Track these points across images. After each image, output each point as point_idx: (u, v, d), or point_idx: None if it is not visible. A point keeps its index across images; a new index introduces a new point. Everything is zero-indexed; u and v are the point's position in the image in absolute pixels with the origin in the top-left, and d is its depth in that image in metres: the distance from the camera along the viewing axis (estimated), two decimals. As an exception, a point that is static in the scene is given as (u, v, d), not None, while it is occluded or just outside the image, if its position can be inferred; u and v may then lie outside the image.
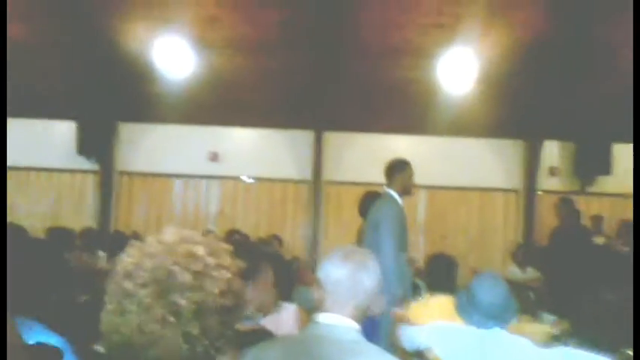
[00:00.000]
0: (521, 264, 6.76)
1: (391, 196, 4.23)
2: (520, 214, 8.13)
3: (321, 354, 1.51)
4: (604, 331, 1.65)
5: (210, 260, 0.96)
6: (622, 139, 7.82)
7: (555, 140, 8.04)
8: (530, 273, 6.56)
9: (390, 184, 4.30)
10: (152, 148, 8.14)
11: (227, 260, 1.00)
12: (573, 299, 1.75)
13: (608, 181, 7.93)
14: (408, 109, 7.62)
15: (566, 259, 5.13)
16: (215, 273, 0.95)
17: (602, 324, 1.66)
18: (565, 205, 5.77)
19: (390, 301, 3.37)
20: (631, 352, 1.77)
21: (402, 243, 4.07)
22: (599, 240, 6.99)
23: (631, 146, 7.93)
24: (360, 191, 8.13)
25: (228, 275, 0.97)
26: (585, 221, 7.02)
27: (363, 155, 8.15)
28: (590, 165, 7.79)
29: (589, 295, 1.71)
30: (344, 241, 8.00)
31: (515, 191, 8.15)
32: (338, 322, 1.57)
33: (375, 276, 1.60)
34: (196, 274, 0.93)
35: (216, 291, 0.94)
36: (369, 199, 4.70)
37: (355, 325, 1.58)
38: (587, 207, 7.92)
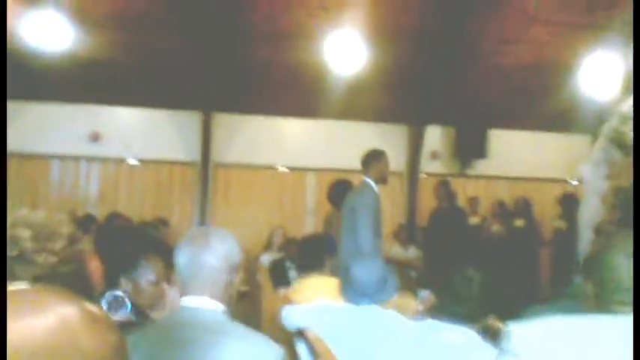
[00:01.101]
0: (404, 243, 7.04)
1: (369, 185, 4.38)
2: (404, 195, 8.43)
3: (187, 337, 1.48)
4: (466, 304, 1.75)
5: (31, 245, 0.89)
6: (497, 125, 8.32)
7: (437, 125, 8.39)
8: (413, 252, 6.85)
9: (367, 173, 4.47)
10: (26, 127, 7.60)
11: (57, 245, 0.93)
12: (444, 276, 1.84)
13: (484, 164, 8.41)
14: (297, 92, 7.64)
15: (443, 238, 5.39)
16: (37, 258, 0.89)
17: (465, 299, 1.75)
18: (443, 187, 6.05)
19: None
20: (492, 322, 1.89)
21: (378, 230, 4.27)
22: (475, 220, 7.42)
23: (505, 132, 8.48)
24: (250, 173, 8.18)
25: (53, 260, 0.91)
26: (463, 203, 7.43)
27: (252, 137, 8.10)
28: (468, 149, 8.22)
29: (456, 272, 1.80)
30: (233, 223, 7.95)
31: (400, 174, 8.42)
32: (201, 305, 1.56)
33: (222, 254, 1.60)
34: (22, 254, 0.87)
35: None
36: (340, 187, 4.99)
37: (220, 306, 1.57)
38: (465, 189, 8.40)
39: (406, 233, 7.17)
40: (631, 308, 1.28)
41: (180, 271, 1.62)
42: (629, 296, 1.29)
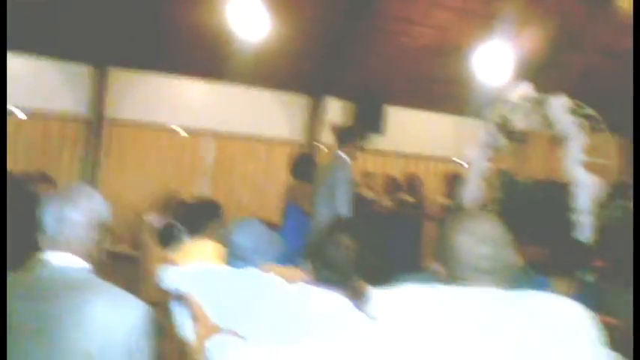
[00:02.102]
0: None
1: (344, 159, 4.61)
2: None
3: (49, 294, 1.43)
4: (338, 270, 1.80)
5: None
6: (394, 102, 8.54)
7: (336, 98, 8.49)
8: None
9: (342, 148, 4.68)
10: None
11: None
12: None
13: (380, 140, 8.62)
14: (199, 53, 7.45)
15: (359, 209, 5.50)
16: None
17: (337, 265, 1.81)
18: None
19: None
20: (360, 287, 1.97)
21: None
22: (368, 194, 7.62)
23: (402, 109, 8.73)
24: (146, 133, 7.91)
25: None
26: (359, 176, 7.59)
27: (150, 96, 7.83)
28: (365, 124, 8.39)
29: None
30: (124, 183, 7.69)
31: (299, 144, 8.46)
32: (64, 261, 1.52)
33: (86, 210, 1.56)
34: None
35: None
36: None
37: (84, 264, 1.53)
38: (362, 163, 8.59)
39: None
40: (474, 283, 1.37)
41: (44, 227, 1.56)
42: (472, 273, 1.38)
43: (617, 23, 7.44)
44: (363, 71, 7.82)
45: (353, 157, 4.73)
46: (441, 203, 6.88)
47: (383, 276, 2.55)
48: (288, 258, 3.17)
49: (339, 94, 8.42)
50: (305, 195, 5.12)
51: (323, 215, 4.50)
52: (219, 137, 8.19)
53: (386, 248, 5.44)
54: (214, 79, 7.96)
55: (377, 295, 1.40)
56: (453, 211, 5.87)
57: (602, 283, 4.11)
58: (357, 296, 1.77)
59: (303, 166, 5.36)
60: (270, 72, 7.78)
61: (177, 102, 8.00)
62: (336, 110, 8.60)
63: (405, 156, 8.97)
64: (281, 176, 8.54)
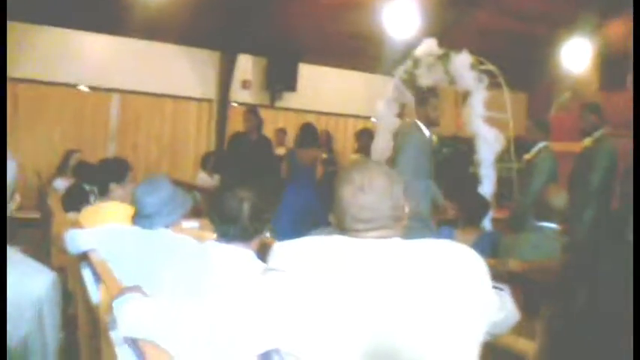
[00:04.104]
0: (210, 171, 7.04)
1: (416, 126, 4.39)
2: (212, 123, 8.37)
3: None
4: (237, 224, 1.82)
5: None
6: (307, 60, 8.52)
7: (249, 54, 8.36)
8: (218, 180, 6.89)
9: (417, 115, 4.48)
10: None
11: None
12: (218, 198, 1.89)
13: (293, 97, 8.62)
14: (101, 5, 7.06)
15: (243, 165, 5.49)
16: None
17: (235, 219, 1.82)
18: (250, 115, 6.08)
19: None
20: (266, 240, 2.00)
21: (420, 171, 4.24)
22: (281, 150, 7.65)
23: (315, 67, 8.73)
24: (46, 90, 7.46)
25: None
26: (272, 133, 7.58)
27: (49, 52, 7.38)
28: (278, 81, 8.34)
29: (228, 193, 1.86)
30: (24, 143, 7.27)
31: (209, 101, 8.32)
32: None
33: None
34: None
35: None
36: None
37: None
38: (275, 120, 8.57)
39: (212, 161, 7.15)
40: (362, 233, 1.42)
41: None
42: (356, 223, 1.42)
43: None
44: (274, 27, 7.71)
45: (432, 124, 4.54)
46: (353, 159, 7.01)
47: (295, 230, 2.60)
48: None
49: (251, 51, 8.29)
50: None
51: None
52: (124, 94, 7.88)
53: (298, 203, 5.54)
54: (118, 33, 7.60)
55: (278, 247, 1.42)
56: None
57: (501, 231, 4.38)
58: (264, 251, 1.79)
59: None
60: (179, 27, 7.52)
61: (80, 58, 7.59)
62: (248, 67, 8.48)
63: (319, 113, 9.02)
64: (190, 134, 8.39)
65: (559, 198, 3.17)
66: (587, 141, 4.66)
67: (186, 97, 8.26)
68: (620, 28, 8.67)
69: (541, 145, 4.71)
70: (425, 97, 4.58)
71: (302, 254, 1.40)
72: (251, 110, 6.22)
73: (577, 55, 7.62)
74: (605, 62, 8.63)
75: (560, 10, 8.02)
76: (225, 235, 1.84)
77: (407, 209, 1.50)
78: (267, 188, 1.95)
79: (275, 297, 1.36)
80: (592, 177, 4.46)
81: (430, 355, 1.31)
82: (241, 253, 1.83)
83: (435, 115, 4.44)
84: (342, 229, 1.46)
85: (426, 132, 4.42)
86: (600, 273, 0.68)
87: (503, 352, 1.75)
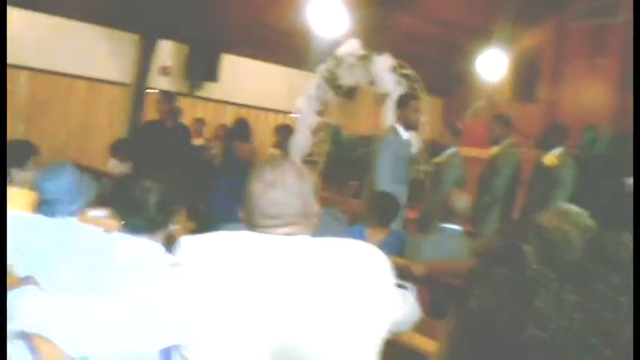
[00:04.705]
0: (122, 158, 6.80)
1: (394, 130, 4.43)
2: (127, 109, 8.08)
3: None
4: (143, 216, 1.78)
5: None
6: (230, 51, 8.40)
7: (170, 40, 8.13)
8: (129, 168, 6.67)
9: (396, 118, 4.50)
10: None
11: None
12: (123, 189, 1.83)
13: (214, 87, 8.48)
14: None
15: (155, 153, 5.36)
16: None
17: (141, 210, 1.78)
18: (167, 102, 5.93)
19: None
20: (173, 233, 1.96)
21: (400, 175, 4.31)
22: (199, 141, 7.52)
23: (238, 58, 8.63)
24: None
25: None
26: (189, 123, 7.43)
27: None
28: (199, 70, 8.17)
29: (134, 184, 1.81)
30: None
31: (124, 85, 8.03)
32: None
33: None
34: None
35: None
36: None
37: None
38: (193, 110, 8.40)
39: (125, 147, 6.91)
40: (270, 229, 1.42)
41: None
42: (264, 219, 1.42)
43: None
44: (199, 15, 7.54)
45: (411, 128, 4.55)
46: (270, 154, 7.00)
47: (209, 223, 2.56)
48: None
49: (173, 37, 8.07)
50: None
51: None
52: (35, 73, 7.47)
53: (211, 196, 5.47)
54: (31, 7, 7.18)
55: (184, 241, 1.40)
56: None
57: (411, 231, 4.51)
58: (171, 243, 1.76)
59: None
60: (97, 6, 7.21)
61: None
62: (168, 53, 8.25)
63: (239, 105, 8.92)
64: (104, 120, 8.07)
65: (462, 201, 3.30)
66: (495, 149, 4.88)
67: (100, 80, 7.92)
68: (531, 42, 9.14)
69: (452, 150, 4.88)
70: (405, 99, 4.62)
71: (208, 249, 1.39)
72: (166, 96, 6.06)
73: (492, 65, 7.96)
74: (518, 74, 9.07)
75: (478, 20, 8.35)
76: (130, 226, 1.78)
77: (317, 207, 1.52)
78: (177, 179, 1.91)
79: (179, 291, 1.34)
80: (496, 184, 4.67)
81: (332, 351, 1.33)
82: (147, 246, 1.78)
83: (414, 118, 4.49)
84: (251, 225, 1.46)
85: (404, 135, 4.49)
86: (494, 278, 0.70)
87: (403, 349, 1.80)
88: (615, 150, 5.93)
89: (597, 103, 8.19)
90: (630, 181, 4.62)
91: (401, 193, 4.30)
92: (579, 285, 0.67)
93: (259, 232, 1.42)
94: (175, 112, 5.92)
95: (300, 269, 1.35)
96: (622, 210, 4.44)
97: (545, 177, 4.77)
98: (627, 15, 7.88)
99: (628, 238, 0.72)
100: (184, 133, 6.07)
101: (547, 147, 4.94)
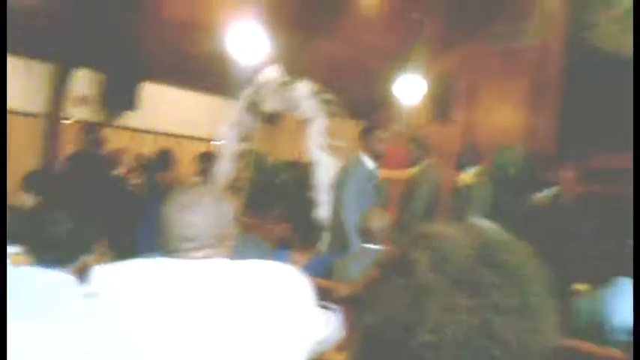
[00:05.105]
0: (34, 192, 6.52)
1: (358, 159, 4.53)
2: (41, 140, 7.77)
3: None
4: (56, 249, 1.72)
5: None
6: (147, 77, 8.26)
7: (87, 69, 7.93)
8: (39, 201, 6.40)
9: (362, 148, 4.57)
10: None
11: None
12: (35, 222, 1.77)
13: (133, 116, 8.30)
14: None
15: (73, 185, 5.19)
16: None
17: (54, 243, 1.72)
18: (89, 132, 5.78)
19: None
20: (85, 264, 1.90)
21: (366, 203, 4.24)
22: (120, 171, 7.33)
23: (157, 86, 8.51)
24: None
25: None
26: (108, 153, 7.23)
27: None
28: (117, 98, 8.00)
29: (46, 217, 1.75)
30: None
31: (38, 116, 7.73)
32: None
33: None
34: None
35: None
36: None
37: None
38: (112, 139, 8.17)
39: (37, 180, 6.62)
40: (191, 254, 1.42)
41: None
42: (180, 243, 1.42)
43: (363, 19, 8.22)
44: (116, 43, 7.40)
45: (375, 157, 4.57)
46: (194, 182, 6.90)
47: (131, 252, 2.49)
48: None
49: (89, 66, 7.86)
50: None
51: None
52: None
53: (134, 226, 5.33)
54: None
55: (97, 270, 1.37)
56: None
57: (333, 254, 4.55)
58: (82, 274, 1.70)
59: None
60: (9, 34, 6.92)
61: None
62: (85, 82, 8.03)
63: (160, 134, 8.78)
64: (18, 153, 7.72)
65: (379, 220, 3.38)
66: (413, 170, 5.04)
67: (13, 111, 7.59)
68: (447, 66, 9.53)
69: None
70: (369, 129, 4.66)
71: (121, 277, 1.36)
72: (88, 126, 5.91)
73: (410, 89, 8.23)
74: (435, 96, 9.41)
75: (395, 44, 8.63)
76: (42, 260, 1.71)
77: (235, 231, 1.52)
78: (94, 209, 1.87)
79: (92, 322, 1.31)
80: (415, 203, 4.81)
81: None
82: (58, 279, 1.72)
83: (379, 148, 4.51)
84: (168, 250, 1.45)
85: (369, 164, 4.50)
86: (389, 288, 0.73)
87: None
88: (525, 168, 6.23)
89: (509, 124, 8.61)
90: (541, 195, 4.88)
91: None
92: (470, 290, 0.70)
93: (176, 257, 1.41)
94: (97, 142, 5.77)
95: (218, 293, 1.35)
96: (530, 224, 4.68)
97: (462, 195, 4.97)
98: (536, 40, 8.38)
99: (516, 243, 0.76)
100: (105, 163, 5.92)
101: (463, 166, 5.16)
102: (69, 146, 7.27)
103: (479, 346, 0.68)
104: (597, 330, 2.89)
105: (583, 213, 5.31)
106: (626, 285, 2.90)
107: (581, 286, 3.61)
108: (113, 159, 7.21)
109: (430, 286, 0.70)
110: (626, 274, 2.93)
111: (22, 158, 7.70)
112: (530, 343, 0.70)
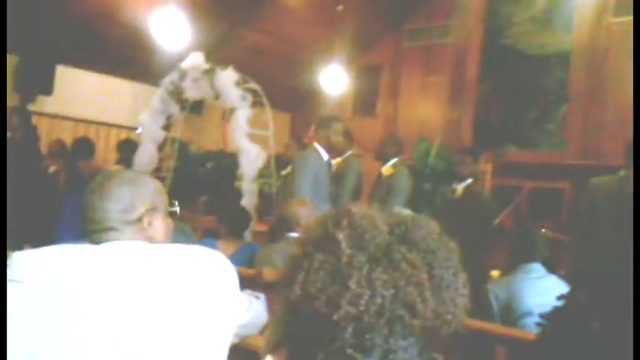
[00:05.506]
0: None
1: (313, 149, 4.48)
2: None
3: None
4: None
5: None
6: (65, 62, 7.93)
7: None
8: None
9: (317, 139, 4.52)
10: None
11: None
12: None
13: (48, 101, 7.95)
14: None
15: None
16: None
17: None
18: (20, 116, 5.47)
19: None
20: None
21: (321, 193, 4.30)
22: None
23: (75, 70, 8.18)
24: None
25: None
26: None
27: None
28: (32, 83, 7.63)
29: None
30: None
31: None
32: None
33: None
34: None
35: None
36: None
37: None
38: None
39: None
40: (99, 237, 1.43)
41: None
42: (89, 226, 1.44)
43: (288, 10, 8.23)
44: (30, 24, 7.05)
45: (333, 150, 4.60)
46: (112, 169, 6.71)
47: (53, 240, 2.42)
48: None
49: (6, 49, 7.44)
50: None
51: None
52: None
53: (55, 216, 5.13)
54: None
55: (15, 256, 1.34)
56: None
57: (260, 240, 4.59)
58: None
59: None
60: None
61: None
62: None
63: (78, 120, 8.45)
64: None
65: (300, 210, 3.45)
66: (338, 160, 5.14)
67: None
68: (371, 60, 9.71)
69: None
70: (326, 121, 4.62)
71: (37, 263, 1.34)
72: (19, 111, 5.63)
73: (335, 82, 8.33)
74: (359, 90, 9.57)
75: (320, 38, 8.70)
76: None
77: (148, 218, 1.51)
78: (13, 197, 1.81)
79: (11, 309, 1.28)
80: (339, 192, 4.92)
81: (177, 358, 1.33)
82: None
83: (336, 140, 4.50)
84: (84, 235, 1.47)
85: (324, 155, 4.48)
86: (313, 264, 0.77)
87: (250, 353, 1.84)
88: (443, 160, 6.48)
89: (429, 118, 8.89)
90: (458, 186, 5.09)
91: (323, 210, 4.39)
92: (388, 265, 0.76)
93: (90, 242, 1.42)
94: (31, 128, 5.50)
95: (139, 276, 1.35)
96: (452, 213, 4.89)
97: (383, 185, 5.12)
98: (455, 36, 8.68)
99: (427, 222, 0.83)
100: (34, 149, 5.64)
101: (385, 158, 5.31)
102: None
103: (396, 316, 0.73)
104: (507, 312, 3.08)
105: (498, 204, 5.60)
106: (536, 271, 3.10)
107: (495, 273, 3.82)
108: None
109: (351, 262, 0.75)
110: (536, 260, 3.13)
111: None
112: (444, 314, 0.76)
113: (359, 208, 0.82)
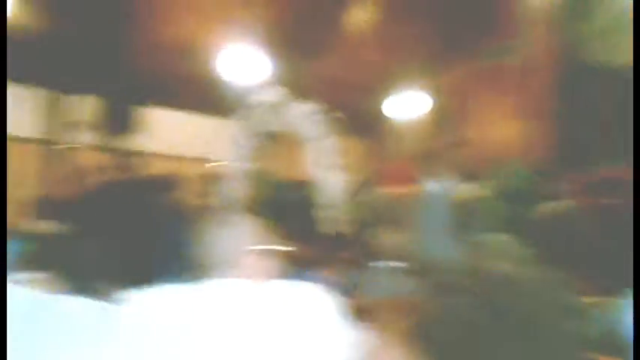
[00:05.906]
0: (46, 217, 6.50)
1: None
2: (48, 165, 7.77)
3: None
4: (82, 277, 1.72)
5: None
6: (145, 101, 8.25)
7: (84, 94, 7.93)
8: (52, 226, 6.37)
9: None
10: None
11: None
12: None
13: (134, 139, 8.27)
14: None
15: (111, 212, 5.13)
16: None
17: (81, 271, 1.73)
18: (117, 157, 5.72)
19: None
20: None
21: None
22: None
23: (156, 109, 8.51)
24: None
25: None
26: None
27: None
28: (117, 122, 7.99)
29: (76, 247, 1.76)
30: None
31: (36, 141, 7.73)
32: None
33: None
34: None
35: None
36: None
37: None
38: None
39: (45, 206, 6.59)
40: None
41: None
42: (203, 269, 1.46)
43: (360, 37, 8.30)
44: (116, 67, 7.42)
45: None
46: (198, 203, 6.87)
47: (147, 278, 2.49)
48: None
49: (87, 90, 7.87)
50: None
51: None
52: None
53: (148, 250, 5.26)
54: None
55: (135, 296, 1.38)
56: (212, 212, 5.91)
57: (348, 269, 4.54)
58: (106, 299, 1.70)
59: None
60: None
61: None
62: (84, 107, 8.02)
63: (161, 156, 8.75)
64: (27, 180, 7.67)
65: (392, 238, 3.39)
66: (420, 187, 5.07)
67: (12, 138, 7.58)
68: (445, 82, 9.60)
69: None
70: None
71: (155, 302, 1.38)
72: (117, 152, 5.91)
73: (410, 106, 8.29)
74: (435, 113, 9.45)
75: (392, 62, 8.69)
76: (71, 288, 1.72)
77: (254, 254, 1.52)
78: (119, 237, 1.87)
79: (137, 348, 1.32)
80: (428, 222, 4.81)
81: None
82: (89, 305, 1.72)
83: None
84: (192, 275, 1.51)
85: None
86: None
87: None
88: (528, 181, 6.26)
89: (509, 138, 8.66)
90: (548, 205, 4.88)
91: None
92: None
93: (200, 281, 1.45)
94: (127, 168, 5.75)
95: (251, 314, 1.36)
96: (541, 235, 4.68)
97: (466, 211, 4.99)
98: (527, 55, 8.47)
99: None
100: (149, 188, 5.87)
101: (466, 182, 5.20)
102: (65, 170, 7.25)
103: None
104: (610, 341, 2.89)
105: (592, 224, 5.30)
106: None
107: (592, 298, 3.61)
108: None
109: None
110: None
111: (18, 183, 7.66)
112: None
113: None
